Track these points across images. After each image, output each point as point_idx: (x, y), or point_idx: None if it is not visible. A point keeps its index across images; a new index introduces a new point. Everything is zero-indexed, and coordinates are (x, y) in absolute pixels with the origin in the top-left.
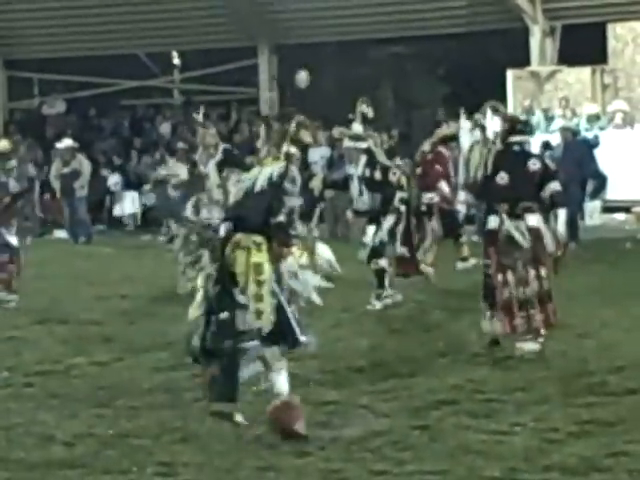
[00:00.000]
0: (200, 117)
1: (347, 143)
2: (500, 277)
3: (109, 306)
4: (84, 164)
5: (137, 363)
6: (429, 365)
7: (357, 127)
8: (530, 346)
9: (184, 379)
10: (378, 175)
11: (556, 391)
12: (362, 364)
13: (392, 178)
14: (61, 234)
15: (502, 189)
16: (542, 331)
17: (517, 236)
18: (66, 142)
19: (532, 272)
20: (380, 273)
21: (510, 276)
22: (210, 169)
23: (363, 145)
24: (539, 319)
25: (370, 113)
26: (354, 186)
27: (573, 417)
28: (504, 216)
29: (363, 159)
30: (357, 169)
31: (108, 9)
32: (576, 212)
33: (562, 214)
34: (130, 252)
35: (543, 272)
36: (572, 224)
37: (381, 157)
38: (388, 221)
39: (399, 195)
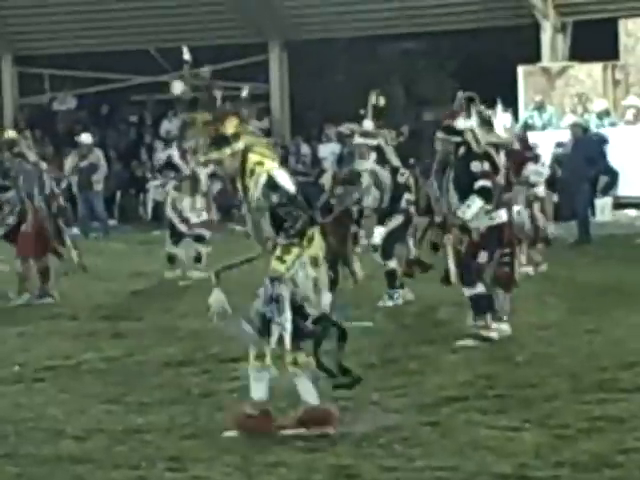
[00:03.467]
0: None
1: (357, 139)
2: None
3: (119, 301)
4: (101, 159)
5: (147, 359)
6: (439, 361)
7: (368, 123)
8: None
9: (194, 374)
10: (385, 174)
11: (567, 387)
12: (372, 360)
13: (400, 179)
14: (73, 230)
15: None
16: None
17: None
18: (85, 137)
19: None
20: (391, 274)
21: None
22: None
23: (374, 142)
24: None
25: (382, 103)
26: (364, 180)
27: (584, 413)
28: None
29: (373, 156)
30: (367, 165)
31: (118, 4)
32: (587, 208)
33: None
34: (141, 247)
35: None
36: (583, 220)
37: (391, 156)
38: (394, 221)
39: (406, 196)
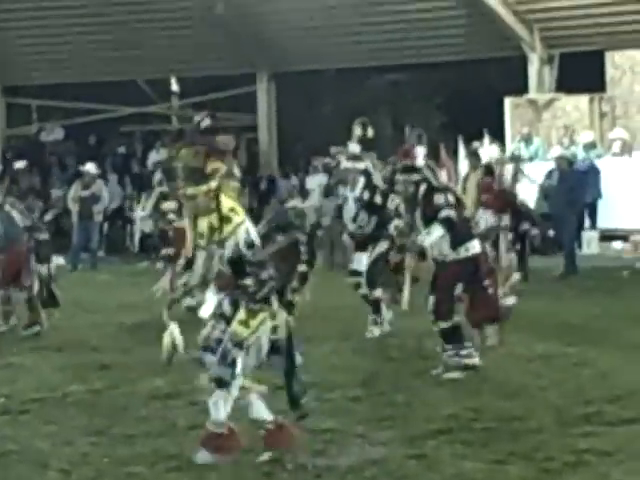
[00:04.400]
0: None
1: (345, 164)
2: None
3: (106, 333)
4: (104, 190)
5: (133, 391)
6: (425, 394)
7: (354, 147)
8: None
9: (180, 407)
10: (379, 199)
11: (553, 420)
12: (358, 393)
13: (390, 205)
14: (59, 260)
15: None
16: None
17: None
18: (89, 166)
19: None
20: (376, 303)
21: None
22: None
23: (361, 166)
24: None
25: (370, 134)
26: (348, 209)
27: (570, 446)
28: None
29: (361, 181)
30: (354, 191)
31: (106, 35)
32: (573, 240)
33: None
34: (128, 279)
35: None
36: (570, 252)
37: (379, 181)
38: (379, 248)
39: (395, 223)
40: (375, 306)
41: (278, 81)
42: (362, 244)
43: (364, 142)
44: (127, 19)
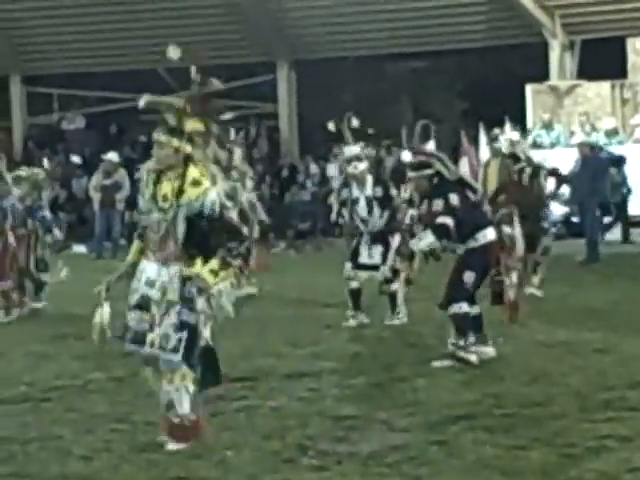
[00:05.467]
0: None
1: (349, 169)
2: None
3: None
4: (125, 178)
5: None
6: (447, 380)
7: (352, 149)
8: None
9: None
10: (393, 191)
11: (574, 406)
12: (380, 379)
13: (404, 195)
14: (81, 249)
15: None
16: None
17: None
18: (111, 155)
19: None
20: (393, 295)
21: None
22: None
23: (365, 164)
24: None
25: (355, 124)
26: (360, 209)
27: (591, 432)
28: None
29: (369, 179)
30: (364, 190)
31: (127, 24)
32: (596, 226)
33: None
34: None
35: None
36: (592, 238)
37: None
38: (396, 240)
39: (411, 212)
40: (392, 300)
41: (298, 69)
42: (375, 238)
43: (357, 135)
44: (148, 8)
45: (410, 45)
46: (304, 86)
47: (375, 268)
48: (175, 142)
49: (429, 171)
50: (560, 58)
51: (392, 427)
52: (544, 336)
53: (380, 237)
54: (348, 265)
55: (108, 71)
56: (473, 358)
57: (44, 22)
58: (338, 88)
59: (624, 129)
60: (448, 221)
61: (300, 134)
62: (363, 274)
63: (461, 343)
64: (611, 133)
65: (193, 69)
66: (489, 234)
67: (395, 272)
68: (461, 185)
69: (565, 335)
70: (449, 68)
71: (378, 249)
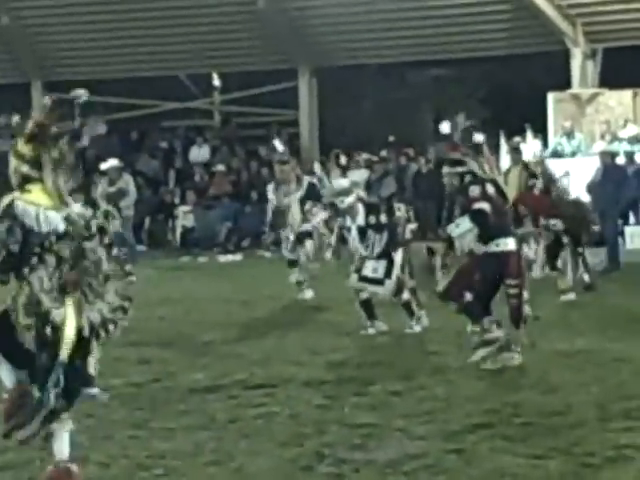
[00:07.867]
0: (281, 147)
1: (341, 205)
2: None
3: (146, 328)
4: (130, 184)
5: (173, 385)
6: (465, 388)
7: (341, 182)
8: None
9: (219, 400)
10: (383, 218)
11: (593, 415)
12: (398, 387)
13: (398, 214)
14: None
15: None
16: None
17: None
18: (111, 162)
19: None
20: (407, 304)
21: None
22: (292, 202)
23: (353, 197)
24: None
25: (341, 161)
26: (352, 238)
27: (610, 442)
28: None
29: (361, 209)
30: (356, 221)
31: (149, 31)
32: (616, 235)
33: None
34: (169, 274)
35: None
36: (613, 247)
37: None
38: (398, 255)
39: (411, 226)
40: (407, 308)
41: (319, 76)
42: (380, 254)
43: (345, 169)
44: (169, 15)
45: (432, 53)
46: (325, 93)
47: (378, 282)
48: (14, 162)
49: (461, 169)
50: (582, 66)
51: (410, 435)
52: (563, 345)
53: (384, 253)
54: (354, 277)
55: (129, 77)
56: (499, 333)
57: (65, 28)
58: (359, 95)
59: None
60: (485, 206)
61: (321, 141)
62: (368, 287)
63: (480, 328)
64: (633, 140)
65: (215, 76)
66: (510, 244)
67: (400, 285)
68: (495, 186)
69: (584, 344)
70: (471, 76)
71: (382, 263)
